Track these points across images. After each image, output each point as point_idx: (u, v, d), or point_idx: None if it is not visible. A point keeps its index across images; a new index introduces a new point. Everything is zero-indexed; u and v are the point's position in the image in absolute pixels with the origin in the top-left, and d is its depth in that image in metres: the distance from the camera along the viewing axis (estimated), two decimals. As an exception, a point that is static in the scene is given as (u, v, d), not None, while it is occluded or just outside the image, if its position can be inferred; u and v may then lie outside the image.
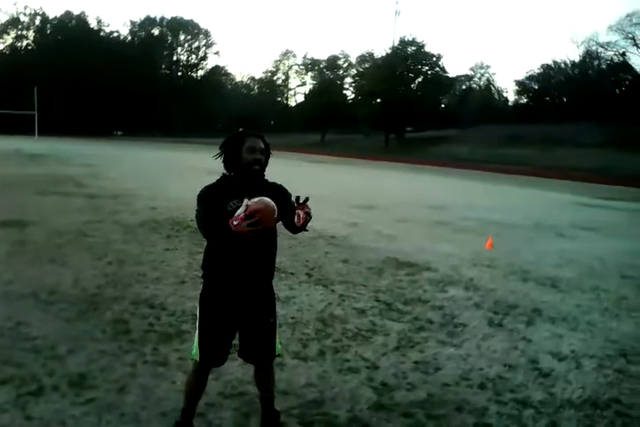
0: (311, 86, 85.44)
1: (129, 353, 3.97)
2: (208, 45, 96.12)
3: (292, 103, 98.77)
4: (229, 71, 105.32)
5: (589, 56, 64.36)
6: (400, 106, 58.78)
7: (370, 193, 17.92)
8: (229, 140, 2.83)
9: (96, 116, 77.25)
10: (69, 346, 4.02)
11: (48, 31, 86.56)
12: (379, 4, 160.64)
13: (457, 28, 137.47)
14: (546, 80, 69.76)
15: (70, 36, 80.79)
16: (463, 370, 4.01)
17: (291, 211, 2.74)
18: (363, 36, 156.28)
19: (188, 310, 4.78)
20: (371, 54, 71.17)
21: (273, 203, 2.57)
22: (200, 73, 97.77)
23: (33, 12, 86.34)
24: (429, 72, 64.24)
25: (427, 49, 63.40)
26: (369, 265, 7.23)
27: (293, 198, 2.77)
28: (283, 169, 13.67)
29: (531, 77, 72.40)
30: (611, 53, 61.32)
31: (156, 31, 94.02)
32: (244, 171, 2.76)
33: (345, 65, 79.07)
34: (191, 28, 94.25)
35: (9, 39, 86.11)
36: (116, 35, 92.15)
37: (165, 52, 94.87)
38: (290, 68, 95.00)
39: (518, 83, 75.31)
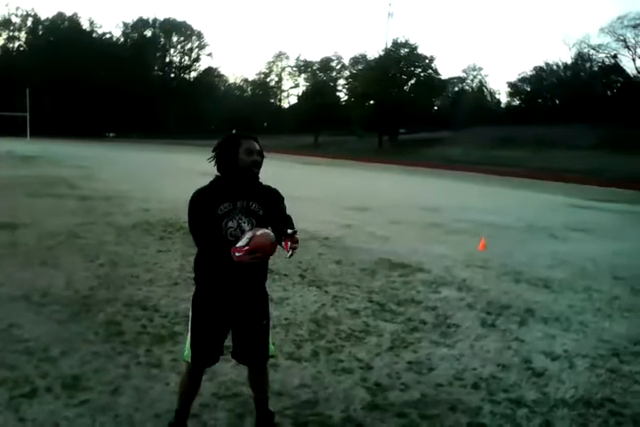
0: (304, 88, 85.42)
1: (122, 355, 3.96)
2: (201, 47, 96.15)
3: (285, 105, 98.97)
4: (222, 73, 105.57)
5: (581, 58, 64.67)
6: (393, 108, 58.88)
7: (363, 195, 17.93)
8: (225, 142, 2.81)
9: (88, 117, 76.96)
10: (62, 348, 4.00)
11: (40, 32, 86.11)
12: (371, 5, 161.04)
13: (449, 30, 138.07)
14: (538, 82, 70.04)
15: (62, 38, 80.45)
16: (457, 370, 4.02)
17: (281, 220, 2.78)
18: (356, 37, 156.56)
19: (181, 311, 4.77)
20: (364, 56, 71.27)
21: (273, 236, 2.59)
22: (193, 74, 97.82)
23: (25, 13, 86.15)
24: (422, 74, 64.34)
25: (419, 51, 63.59)
26: (362, 266, 7.24)
27: (286, 202, 2.79)
28: (276, 171, 13.67)
29: (523, 79, 72.71)
30: (602, 55, 61.72)
31: (148, 32, 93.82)
32: (241, 173, 2.75)
33: (338, 67, 79.12)
34: (184, 30, 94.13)
35: (0, 40, 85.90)
36: (108, 36, 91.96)
37: (158, 54, 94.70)
38: (283, 69, 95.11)
39: (511, 85, 75.67)
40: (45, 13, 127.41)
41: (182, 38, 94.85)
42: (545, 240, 10.54)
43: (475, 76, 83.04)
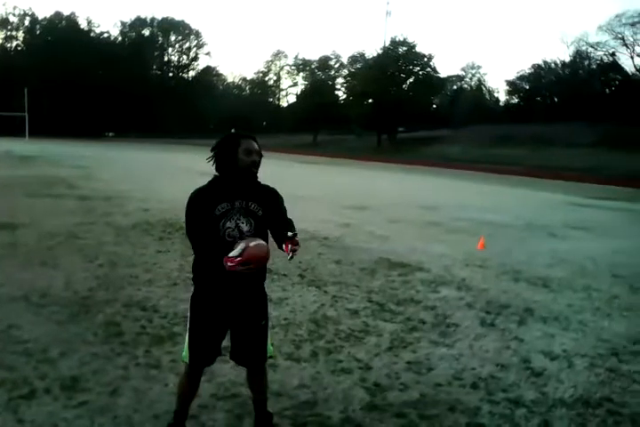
0: (303, 87, 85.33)
1: (121, 356, 3.96)
2: (199, 46, 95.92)
3: (283, 104, 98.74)
4: (221, 72, 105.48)
5: (579, 56, 64.61)
6: (392, 106, 58.81)
7: (362, 194, 17.93)
8: (224, 141, 2.79)
9: (87, 117, 76.81)
10: (61, 349, 4.00)
11: (38, 32, 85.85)
12: (370, 4, 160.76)
13: (448, 28, 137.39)
14: (536, 80, 69.98)
15: (60, 37, 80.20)
16: (456, 370, 4.02)
17: (281, 221, 2.78)
18: (354, 36, 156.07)
19: (181, 312, 4.76)
20: (362, 55, 71.14)
21: (268, 247, 2.58)
22: (191, 74, 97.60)
23: (22, 12, 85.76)
24: (421, 72, 64.26)
25: (418, 49, 63.39)
26: (362, 266, 7.24)
27: (286, 203, 2.79)
28: (275, 170, 13.67)
29: (521, 77, 72.60)
30: (600, 53, 61.58)
31: (146, 32, 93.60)
32: (240, 173, 2.74)
33: (336, 65, 78.99)
34: (182, 29, 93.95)
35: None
36: (106, 35, 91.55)
37: (156, 53, 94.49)
38: (281, 68, 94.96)
39: (509, 83, 75.53)
40: (43, 13, 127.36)
41: (180, 37, 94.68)
42: (544, 239, 10.55)
43: (473, 75, 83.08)
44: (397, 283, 6.45)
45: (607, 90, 61.75)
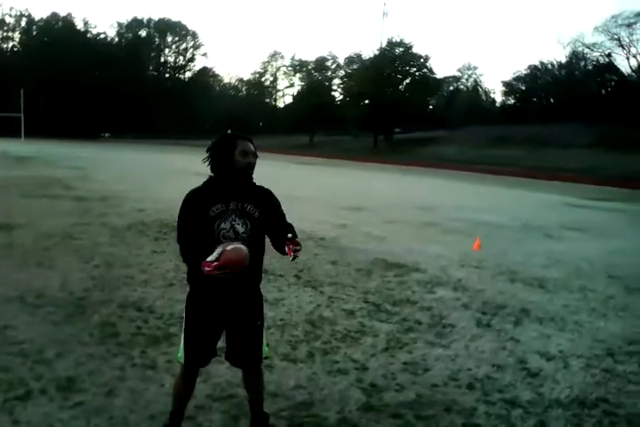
0: (299, 88, 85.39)
1: (117, 356, 3.95)
2: (196, 47, 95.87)
3: (280, 105, 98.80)
4: (217, 73, 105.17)
5: (575, 57, 64.77)
6: (388, 107, 58.84)
7: (359, 194, 17.94)
8: (220, 142, 2.78)
9: (83, 118, 76.67)
10: (57, 350, 4.00)
11: (34, 33, 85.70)
12: (366, 5, 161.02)
13: (444, 29, 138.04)
14: (533, 81, 70.12)
15: (57, 38, 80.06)
16: (452, 371, 4.02)
17: (276, 222, 2.78)
18: (350, 37, 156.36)
19: (176, 312, 4.76)
20: (359, 55, 71.24)
21: (247, 251, 2.55)
22: (188, 74, 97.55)
23: (19, 13, 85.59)
24: (417, 73, 64.32)
25: (414, 50, 63.47)
26: (358, 266, 7.25)
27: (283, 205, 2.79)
28: (271, 171, 13.67)
29: (518, 78, 72.73)
30: (597, 54, 61.81)
31: (143, 33, 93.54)
32: (236, 174, 2.73)
33: (333, 66, 79.06)
34: (178, 30, 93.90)
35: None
36: (102, 36, 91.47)
37: (153, 54, 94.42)
38: (278, 69, 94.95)
39: (505, 84, 75.61)
40: (39, 14, 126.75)
41: (177, 38, 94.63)
42: (540, 239, 10.56)
43: (470, 76, 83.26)
44: (393, 283, 6.45)
45: (603, 91, 61.90)
